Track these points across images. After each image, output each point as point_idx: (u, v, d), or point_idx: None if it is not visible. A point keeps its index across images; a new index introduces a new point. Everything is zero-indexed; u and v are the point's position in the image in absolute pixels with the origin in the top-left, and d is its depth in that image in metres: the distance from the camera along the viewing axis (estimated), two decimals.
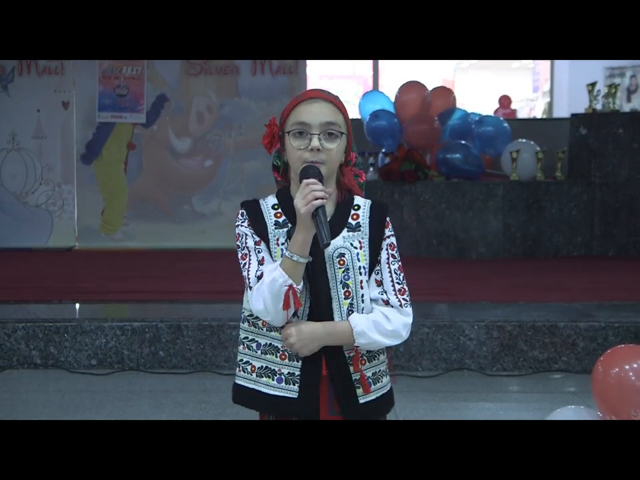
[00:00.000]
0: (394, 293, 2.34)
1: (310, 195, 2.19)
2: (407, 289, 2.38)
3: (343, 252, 2.32)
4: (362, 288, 2.33)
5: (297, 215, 2.22)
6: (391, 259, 2.37)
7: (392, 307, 2.33)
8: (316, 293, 2.30)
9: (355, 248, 2.33)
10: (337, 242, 2.32)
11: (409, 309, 2.35)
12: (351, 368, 2.34)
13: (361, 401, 2.35)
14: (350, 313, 2.32)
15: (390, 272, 2.36)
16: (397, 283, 2.36)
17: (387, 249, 2.37)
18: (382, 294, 2.34)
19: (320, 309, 2.30)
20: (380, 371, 2.41)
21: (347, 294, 2.31)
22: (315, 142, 2.27)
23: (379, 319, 2.31)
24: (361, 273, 2.32)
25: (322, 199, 2.19)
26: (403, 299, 2.35)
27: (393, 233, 2.40)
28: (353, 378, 2.34)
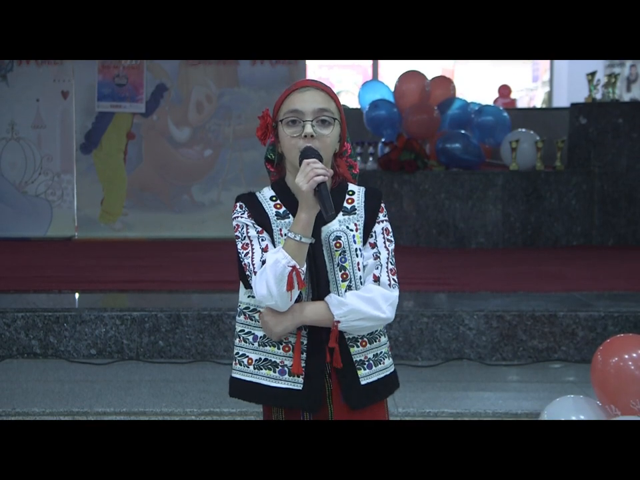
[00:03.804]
0: (387, 271, 2.34)
1: (312, 172, 2.19)
2: (396, 271, 2.39)
3: (339, 235, 2.33)
4: (359, 270, 2.33)
5: (299, 194, 2.23)
6: (387, 242, 2.37)
7: (379, 284, 2.33)
8: (316, 277, 2.30)
9: (351, 230, 2.34)
10: (333, 225, 2.33)
11: (396, 291, 2.36)
12: (352, 349, 2.33)
13: (363, 382, 2.34)
14: None
15: (388, 252, 2.36)
16: (390, 263, 2.37)
17: (382, 233, 2.37)
18: (376, 268, 2.33)
19: (320, 292, 2.30)
20: (382, 352, 2.41)
21: (344, 276, 2.32)
22: (309, 128, 2.27)
23: (359, 291, 2.32)
24: (357, 255, 2.33)
25: (323, 175, 2.20)
26: (393, 279, 2.35)
27: (387, 218, 2.41)
28: (354, 359, 2.34)
